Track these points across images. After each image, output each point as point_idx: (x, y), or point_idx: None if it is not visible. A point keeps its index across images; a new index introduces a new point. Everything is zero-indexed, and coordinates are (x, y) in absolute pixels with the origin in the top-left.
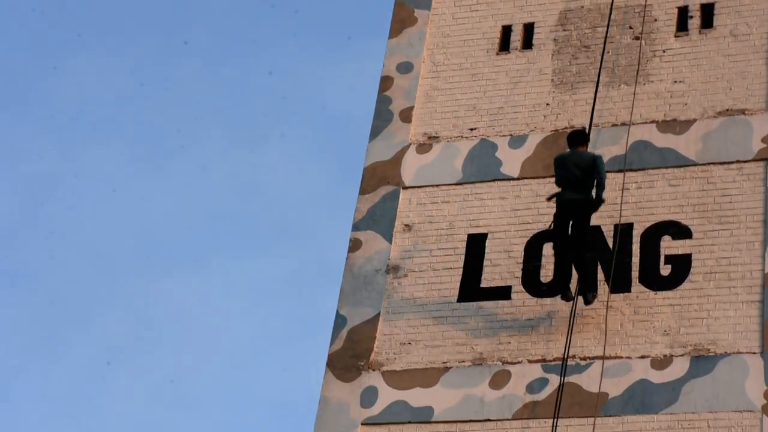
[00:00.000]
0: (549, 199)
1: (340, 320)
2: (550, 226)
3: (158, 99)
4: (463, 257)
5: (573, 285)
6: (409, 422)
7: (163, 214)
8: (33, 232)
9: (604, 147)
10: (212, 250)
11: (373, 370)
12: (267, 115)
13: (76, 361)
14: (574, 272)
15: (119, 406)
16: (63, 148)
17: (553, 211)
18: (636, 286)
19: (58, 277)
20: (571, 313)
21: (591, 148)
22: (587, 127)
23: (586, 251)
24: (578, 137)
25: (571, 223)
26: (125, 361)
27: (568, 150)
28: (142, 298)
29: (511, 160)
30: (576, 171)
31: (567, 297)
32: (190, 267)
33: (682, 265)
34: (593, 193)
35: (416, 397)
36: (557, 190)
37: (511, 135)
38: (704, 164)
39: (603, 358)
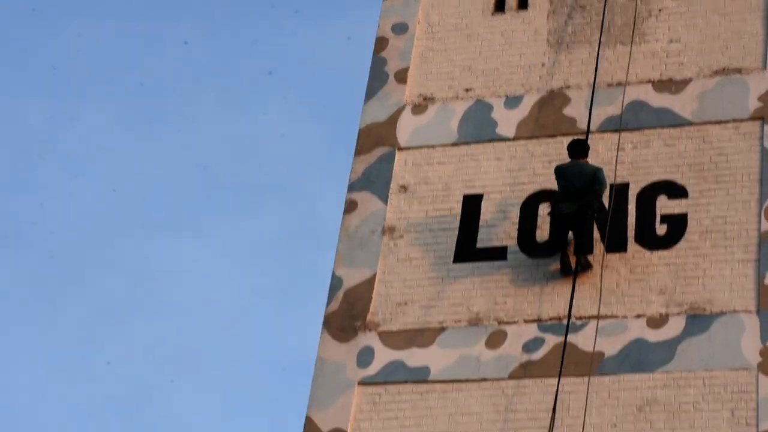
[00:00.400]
0: (549, 214)
1: (336, 281)
2: (549, 214)
3: (150, 61)
4: (458, 218)
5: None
6: (406, 382)
7: (157, 174)
8: (26, 193)
9: (600, 107)
10: (206, 209)
11: (370, 330)
12: (260, 77)
13: (71, 320)
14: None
15: (115, 366)
16: (56, 109)
17: (549, 172)
18: (632, 246)
19: (52, 237)
20: (575, 269)
21: (587, 109)
22: (589, 101)
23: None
24: (579, 148)
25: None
26: (121, 319)
27: (568, 160)
28: (136, 257)
29: (507, 121)
30: (577, 183)
31: (567, 271)
32: (185, 226)
33: (678, 225)
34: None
35: (412, 357)
36: (555, 187)
37: (506, 96)
38: (700, 123)
39: (598, 317)
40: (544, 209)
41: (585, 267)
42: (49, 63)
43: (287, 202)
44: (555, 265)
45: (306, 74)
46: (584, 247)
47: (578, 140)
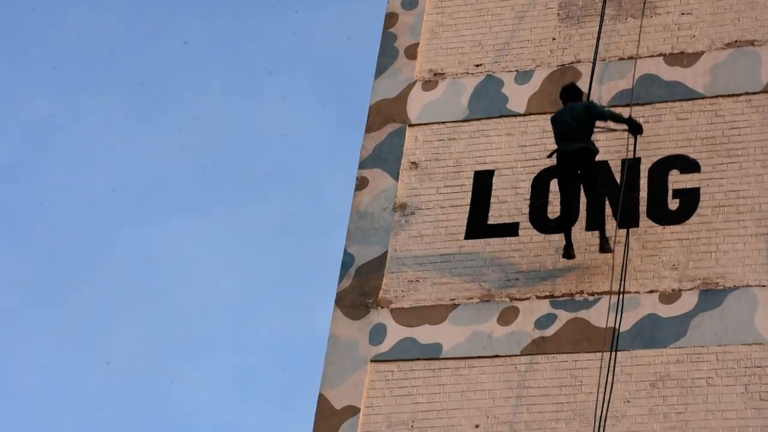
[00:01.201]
0: (549, 156)
1: (347, 259)
2: (549, 155)
3: (154, 49)
4: (470, 194)
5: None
6: (418, 359)
7: (162, 162)
8: (31, 180)
9: (611, 81)
10: (214, 196)
11: (382, 307)
12: (262, 64)
13: (76, 310)
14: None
15: (118, 360)
16: (60, 97)
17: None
18: (644, 221)
19: (56, 227)
20: (624, 246)
21: (598, 83)
22: (592, 69)
23: (602, 202)
24: (570, 93)
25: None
26: (127, 308)
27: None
28: (142, 246)
29: (518, 96)
30: (570, 122)
31: (570, 255)
32: (194, 213)
33: (690, 199)
34: (593, 141)
35: (425, 334)
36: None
37: (517, 71)
38: (712, 97)
39: (610, 293)
40: (555, 185)
41: (606, 249)
42: (52, 55)
43: (291, 189)
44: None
45: (308, 59)
46: (598, 220)
47: (568, 85)
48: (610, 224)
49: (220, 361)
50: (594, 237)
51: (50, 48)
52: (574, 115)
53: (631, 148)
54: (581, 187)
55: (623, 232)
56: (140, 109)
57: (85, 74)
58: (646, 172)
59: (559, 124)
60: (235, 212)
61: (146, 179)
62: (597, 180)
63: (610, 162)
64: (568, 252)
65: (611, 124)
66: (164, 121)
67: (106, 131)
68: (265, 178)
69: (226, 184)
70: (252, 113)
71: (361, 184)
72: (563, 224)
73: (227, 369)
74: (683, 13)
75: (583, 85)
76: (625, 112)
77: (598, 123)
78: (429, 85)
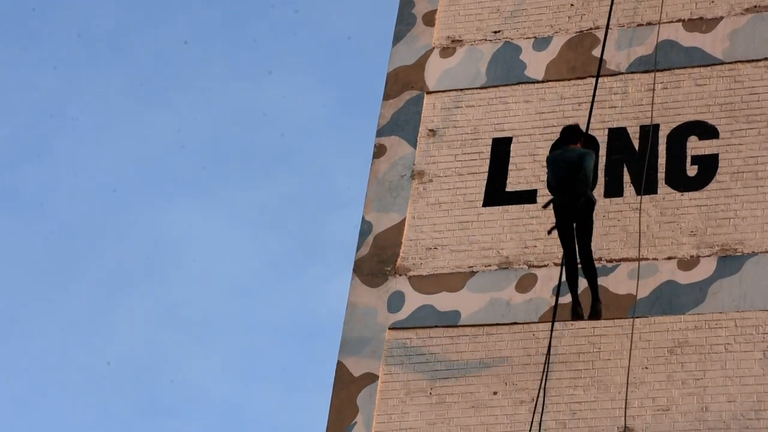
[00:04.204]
0: (545, 206)
1: (365, 226)
2: (549, 231)
3: (159, 30)
4: (488, 161)
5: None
6: (436, 326)
7: (168, 144)
8: (36, 163)
9: (630, 48)
10: (219, 178)
11: (400, 275)
12: (269, 44)
13: (84, 289)
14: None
15: (132, 333)
16: (66, 80)
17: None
18: (662, 188)
19: (64, 205)
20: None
21: (617, 50)
22: (604, 36)
23: (590, 256)
24: (570, 133)
25: (574, 226)
26: (136, 287)
27: (559, 150)
28: (153, 225)
29: (536, 63)
30: (565, 170)
31: (579, 315)
32: (211, 191)
33: (708, 166)
34: (589, 192)
35: (443, 301)
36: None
37: (535, 37)
38: (731, 63)
39: (629, 260)
40: None
41: (599, 313)
42: (61, 33)
43: (296, 169)
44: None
45: (311, 41)
46: (590, 279)
47: (569, 126)
48: (629, 191)
49: (230, 341)
50: (612, 204)
51: (54, 30)
52: (570, 161)
53: (649, 113)
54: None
55: (641, 198)
56: (147, 90)
57: (90, 56)
58: (665, 138)
59: (553, 167)
60: (240, 193)
61: (152, 161)
62: (591, 232)
63: (629, 129)
64: (576, 310)
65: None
66: (171, 103)
67: (112, 113)
68: (270, 159)
69: (231, 165)
70: (256, 95)
71: (379, 151)
72: (569, 281)
73: (237, 349)
74: None
75: (601, 51)
76: (644, 78)
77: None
78: (447, 51)
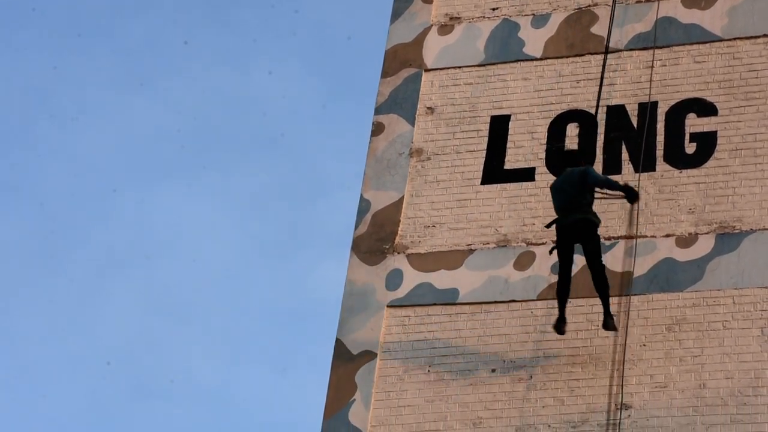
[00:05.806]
0: (548, 226)
1: (364, 204)
2: (550, 251)
3: (147, 16)
4: (486, 139)
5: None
6: (434, 304)
7: (155, 128)
8: (25, 146)
9: (629, 24)
10: (204, 163)
11: (398, 253)
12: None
13: (71, 273)
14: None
15: (123, 317)
16: (54, 64)
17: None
18: (661, 165)
19: (50, 191)
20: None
21: (616, 27)
22: (611, 13)
23: (603, 273)
24: (569, 159)
25: (582, 248)
26: (123, 271)
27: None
28: (141, 211)
29: (534, 40)
30: (569, 190)
31: (561, 330)
32: (198, 176)
33: (707, 143)
34: (593, 211)
35: (441, 279)
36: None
37: (533, 14)
38: (730, 39)
39: (627, 237)
40: (572, 129)
41: (612, 326)
42: (47, 21)
43: (285, 154)
44: None
45: (298, 25)
46: (601, 295)
47: (567, 151)
48: (627, 168)
49: (220, 325)
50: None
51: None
52: (571, 181)
53: (647, 91)
54: (585, 257)
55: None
56: (134, 75)
57: (78, 40)
58: (663, 115)
59: (557, 193)
60: (227, 178)
61: (139, 145)
62: (599, 251)
63: (627, 106)
64: (559, 326)
65: (608, 192)
66: (157, 87)
67: (99, 97)
68: (258, 144)
69: (218, 150)
70: (242, 81)
71: (377, 129)
72: (558, 297)
73: (227, 333)
74: None
75: (601, 28)
76: (642, 55)
77: (596, 189)
78: (445, 29)
